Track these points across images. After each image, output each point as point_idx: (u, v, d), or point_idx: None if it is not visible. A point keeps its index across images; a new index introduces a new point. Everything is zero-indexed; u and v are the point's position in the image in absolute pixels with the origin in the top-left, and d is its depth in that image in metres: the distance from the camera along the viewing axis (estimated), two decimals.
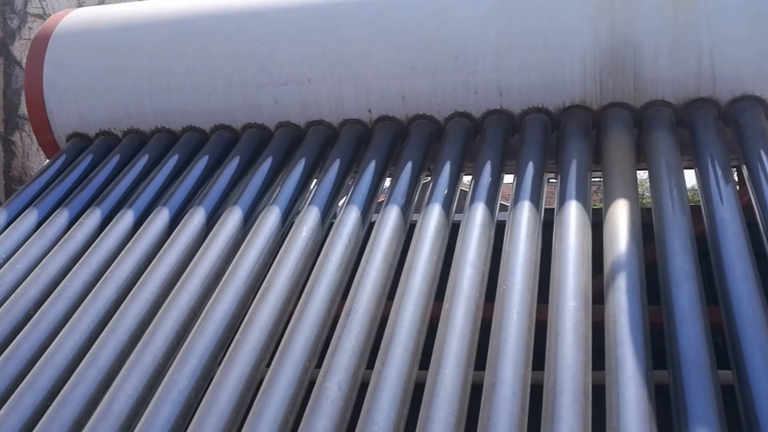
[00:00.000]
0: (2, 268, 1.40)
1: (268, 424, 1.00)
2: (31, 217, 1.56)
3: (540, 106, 1.58)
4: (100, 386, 1.12)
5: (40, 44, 1.80)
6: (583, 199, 1.33)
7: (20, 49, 2.13)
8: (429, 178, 1.53)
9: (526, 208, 1.31)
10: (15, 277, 1.39)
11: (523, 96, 1.57)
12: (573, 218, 1.27)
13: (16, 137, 2.12)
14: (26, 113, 2.16)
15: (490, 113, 1.59)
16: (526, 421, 0.97)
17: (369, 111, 1.63)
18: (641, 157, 1.55)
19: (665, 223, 1.24)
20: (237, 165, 1.60)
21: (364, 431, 0.97)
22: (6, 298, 1.34)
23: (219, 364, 1.13)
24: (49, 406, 1.10)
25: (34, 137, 2.18)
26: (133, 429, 1.04)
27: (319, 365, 1.11)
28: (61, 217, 1.53)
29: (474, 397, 1.02)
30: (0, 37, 2.11)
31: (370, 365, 1.10)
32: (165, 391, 1.07)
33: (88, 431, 1.03)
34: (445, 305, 1.14)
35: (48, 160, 1.94)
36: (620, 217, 1.26)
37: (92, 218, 1.50)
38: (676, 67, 1.52)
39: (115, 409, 1.06)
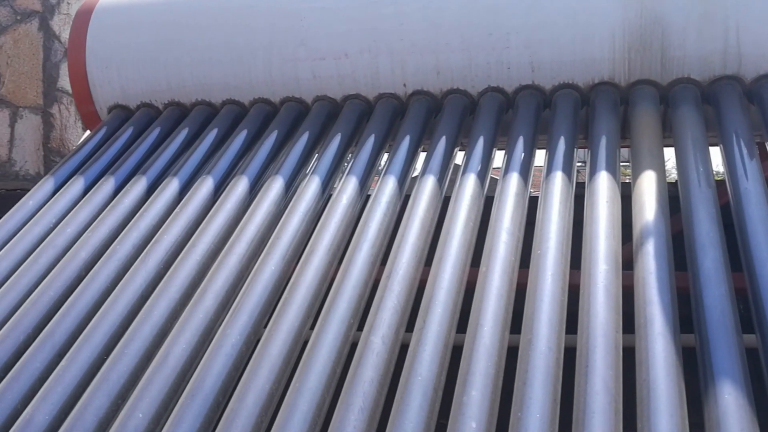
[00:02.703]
0: (53, 232, 1.47)
1: (317, 375, 1.07)
2: (77, 184, 1.63)
3: (570, 82, 1.63)
4: (155, 341, 1.19)
5: (84, 17, 1.86)
6: (612, 170, 1.38)
7: (59, 24, 2.20)
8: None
9: (558, 178, 1.36)
10: (66, 240, 1.46)
11: (554, 72, 1.62)
12: (603, 188, 1.32)
13: (54, 110, 2.19)
14: (64, 86, 2.23)
15: (523, 88, 1.64)
16: (561, 374, 1.03)
17: (404, 85, 1.68)
18: (667, 133, 1.60)
19: (691, 193, 1.29)
20: (276, 137, 1.66)
21: (408, 381, 1.03)
22: (58, 260, 1.41)
23: (267, 323, 1.20)
24: (105, 360, 1.17)
25: (72, 110, 2.25)
26: (188, 380, 1.11)
27: (360, 328, 1.17)
28: (107, 184, 1.60)
29: (510, 359, 1.08)
30: (40, 12, 2.17)
31: (410, 329, 1.16)
32: (218, 345, 1.14)
33: (146, 381, 1.10)
34: (482, 269, 1.20)
35: (89, 132, 2.01)
36: (648, 187, 1.32)
37: (138, 186, 1.57)
38: (703, 45, 1.56)
39: (171, 362, 1.13)
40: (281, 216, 1.43)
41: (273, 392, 1.07)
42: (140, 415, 1.04)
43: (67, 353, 1.17)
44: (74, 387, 1.12)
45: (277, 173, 1.53)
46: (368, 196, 1.48)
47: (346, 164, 1.61)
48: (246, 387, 1.06)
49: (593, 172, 1.38)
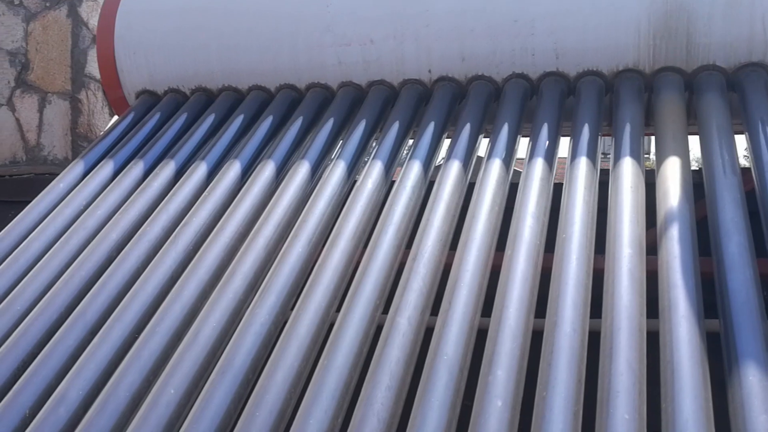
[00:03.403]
0: (84, 214, 1.50)
1: (345, 354, 1.09)
2: (106, 168, 1.66)
3: (594, 69, 1.63)
4: (185, 320, 1.22)
5: (112, 3, 1.89)
6: (636, 157, 1.39)
7: (87, 11, 2.23)
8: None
9: (583, 164, 1.37)
10: (96, 222, 1.49)
11: (578, 59, 1.62)
12: (628, 174, 1.33)
13: (82, 95, 2.22)
14: (92, 72, 2.26)
15: (547, 75, 1.65)
16: (585, 355, 1.05)
17: (429, 71, 1.69)
18: (691, 120, 1.60)
19: (716, 179, 1.29)
20: (302, 123, 1.68)
21: (434, 361, 1.05)
22: (89, 241, 1.44)
23: (294, 304, 1.22)
24: (137, 338, 1.20)
25: (99, 95, 2.28)
26: (218, 358, 1.14)
27: (385, 311, 1.19)
28: (136, 168, 1.62)
29: (534, 343, 1.10)
30: None
31: (434, 313, 1.17)
32: (247, 324, 1.16)
33: (177, 359, 1.13)
34: (507, 252, 1.22)
35: (117, 117, 2.04)
36: (672, 173, 1.32)
37: (166, 170, 1.60)
38: (729, 31, 1.56)
39: (201, 340, 1.16)
40: (307, 200, 1.45)
41: (301, 370, 1.10)
42: (172, 391, 1.07)
43: (99, 331, 1.20)
44: (107, 364, 1.15)
45: (302, 158, 1.55)
46: (393, 182, 1.49)
47: (371, 150, 1.62)
48: (275, 365, 1.09)
49: (617, 159, 1.39)
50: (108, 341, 1.18)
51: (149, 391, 1.09)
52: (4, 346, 1.20)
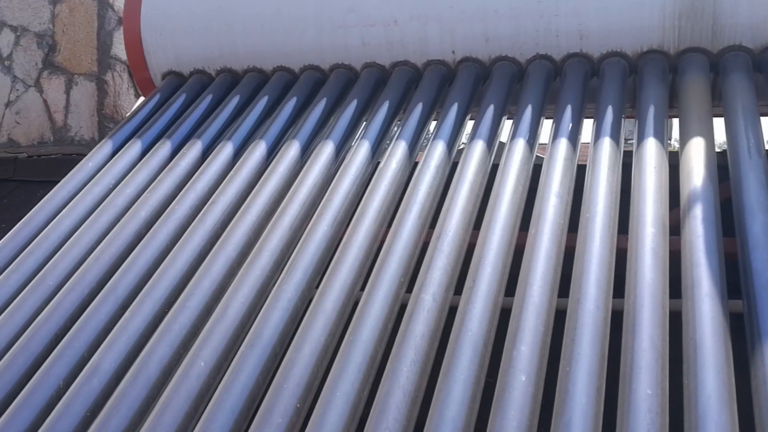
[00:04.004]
0: (113, 192, 1.53)
1: (370, 329, 1.11)
2: (134, 147, 1.68)
3: (618, 50, 1.63)
4: (214, 295, 1.24)
5: None
6: (660, 137, 1.39)
7: None
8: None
9: (606, 144, 1.38)
10: (125, 200, 1.51)
11: (602, 40, 1.62)
12: (651, 154, 1.33)
13: (108, 77, 2.25)
14: (118, 54, 2.28)
15: (571, 56, 1.65)
16: (608, 332, 1.06)
17: (453, 52, 1.70)
18: (716, 102, 1.59)
19: (740, 160, 1.29)
20: (326, 103, 1.70)
21: (459, 337, 1.07)
22: (119, 219, 1.47)
23: (320, 281, 1.24)
24: (167, 312, 1.22)
25: (125, 77, 2.31)
26: (246, 332, 1.16)
27: (409, 290, 1.21)
28: (164, 148, 1.65)
29: (557, 322, 1.11)
30: None
31: (458, 292, 1.19)
32: (275, 300, 1.19)
33: (206, 332, 1.15)
34: (531, 231, 1.23)
35: (143, 98, 2.07)
36: (696, 153, 1.32)
37: (193, 149, 1.62)
38: (756, 12, 1.55)
39: (230, 314, 1.18)
40: (332, 180, 1.47)
41: (328, 344, 1.12)
42: (202, 364, 1.10)
43: (130, 306, 1.23)
44: (138, 337, 1.18)
45: (327, 139, 1.57)
46: (416, 163, 1.50)
47: (394, 130, 1.64)
48: (302, 339, 1.11)
49: (641, 140, 1.39)
50: (139, 315, 1.21)
51: (180, 364, 1.11)
52: (37, 321, 1.23)
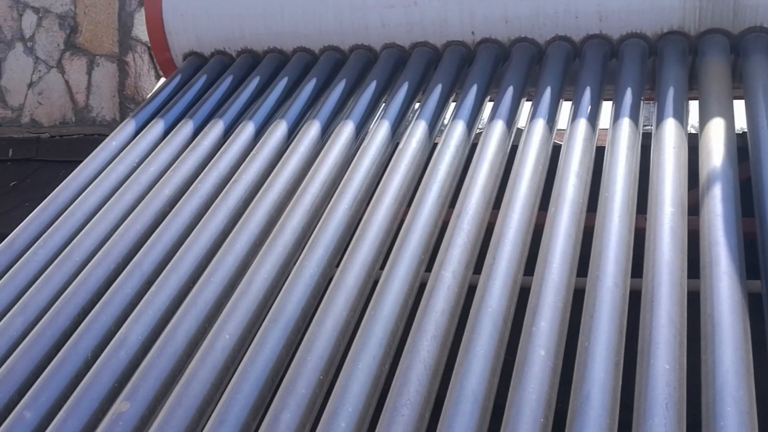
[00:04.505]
0: (137, 171, 1.55)
1: (391, 305, 1.13)
2: (157, 127, 1.70)
3: (638, 31, 1.63)
4: (237, 271, 1.27)
5: None
6: (679, 118, 1.40)
7: None
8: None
9: (625, 125, 1.38)
10: (149, 178, 1.54)
11: (622, 21, 1.62)
12: (671, 135, 1.34)
13: (129, 58, 2.27)
14: (138, 35, 2.30)
15: (590, 38, 1.65)
16: (626, 309, 1.07)
17: (472, 33, 1.71)
18: (736, 84, 1.59)
19: (761, 140, 1.30)
20: (345, 84, 1.71)
21: (479, 312, 1.09)
22: (143, 196, 1.49)
23: (341, 258, 1.26)
24: (192, 287, 1.25)
25: (145, 58, 2.33)
26: (269, 306, 1.19)
27: (428, 270, 1.22)
28: (186, 127, 1.67)
29: (575, 301, 1.12)
30: None
31: (477, 272, 1.20)
32: (297, 275, 1.21)
33: (231, 307, 1.18)
34: (551, 209, 1.24)
35: (164, 78, 2.09)
36: (716, 133, 1.33)
37: (215, 129, 1.64)
38: None
39: (254, 289, 1.20)
40: (352, 159, 1.48)
41: (349, 319, 1.14)
42: (227, 336, 1.12)
43: (156, 281, 1.26)
44: (164, 311, 1.20)
45: (347, 119, 1.58)
46: (435, 145, 1.52)
47: (413, 111, 1.65)
48: (324, 313, 1.13)
49: (660, 120, 1.40)
50: (165, 290, 1.23)
51: (205, 337, 1.14)
52: (64, 295, 1.26)
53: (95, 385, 1.08)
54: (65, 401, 1.07)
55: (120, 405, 1.04)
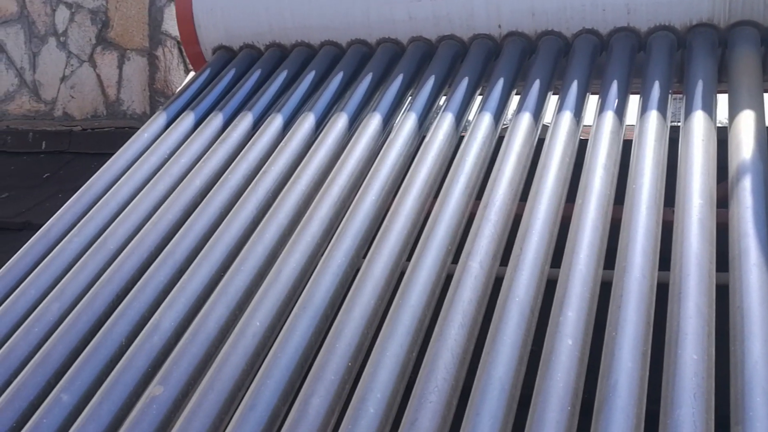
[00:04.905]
0: (168, 162, 1.58)
1: (419, 294, 1.15)
2: (188, 119, 1.73)
3: (667, 24, 1.62)
4: (267, 260, 1.29)
5: None
6: (709, 110, 1.39)
7: None
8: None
9: (653, 117, 1.38)
10: (180, 169, 1.56)
11: (650, 14, 1.62)
12: (699, 127, 1.33)
13: (159, 52, 2.31)
14: (168, 30, 2.34)
15: (617, 31, 1.65)
16: (654, 300, 1.08)
17: (499, 26, 1.71)
18: (766, 76, 1.58)
19: None
20: (372, 77, 1.73)
21: (506, 302, 1.10)
22: (174, 187, 1.52)
23: (368, 249, 1.28)
24: (223, 276, 1.27)
25: (175, 53, 2.37)
26: (298, 295, 1.21)
27: (455, 260, 1.23)
28: (216, 120, 1.70)
29: (602, 293, 1.12)
30: None
31: (504, 263, 1.21)
32: (325, 265, 1.23)
33: (261, 295, 1.20)
34: (578, 201, 1.25)
35: (193, 73, 2.12)
36: (745, 126, 1.32)
37: (244, 121, 1.67)
38: None
39: (283, 278, 1.23)
40: (379, 152, 1.50)
41: (377, 308, 1.16)
42: (257, 323, 1.14)
43: (188, 269, 1.28)
44: (196, 298, 1.23)
45: (374, 111, 1.60)
46: (461, 138, 1.53)
47: (440, 104, 1.66)
48: (352, 302, 1.15)
49: (688, 113, 1.39)
50: (196, 278, 1.26)
51: (236, 323, 1.16)
52: (99, 282, 1.29)
53: (129, 369, 1.11)
54: (100, 385, 1.10)
55: (153, 389, 1.06)
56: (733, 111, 1.38)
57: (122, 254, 1.34)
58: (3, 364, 1.16)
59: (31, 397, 1.11)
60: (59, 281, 1.32)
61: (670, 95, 1.49)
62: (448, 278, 1.19)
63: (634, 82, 1.60)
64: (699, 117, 1.36)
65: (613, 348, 1.00)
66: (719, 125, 1.44)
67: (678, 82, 1.64)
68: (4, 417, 1.08)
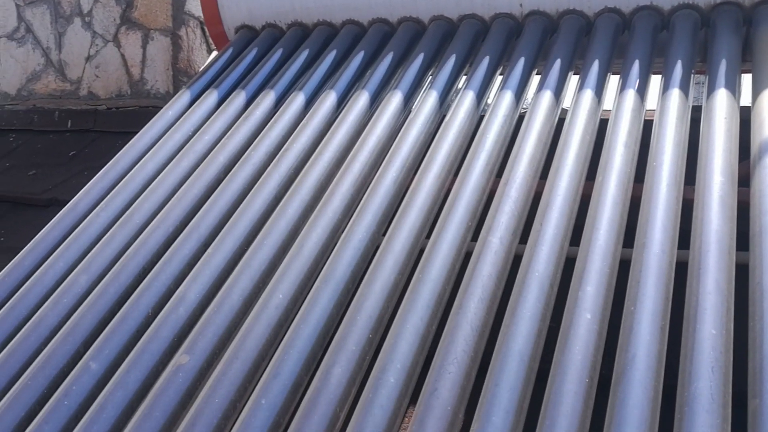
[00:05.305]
0: (192, 139, 1.60)
1: (439, 268, 1.16)
2: (211, 97, 1.75)
3: (690, 2, 1.61)
4: (289, 235, 1.31)
5: None
6: (732, 89, 1.39)
7: None
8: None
9: (675, 95, 1.38)
10: (204, 146, 1.59)
11: None
12: (722, 105, 1.33)
13: (182, 32, 2.32)
14: (191, 10, 2.35)
15: (640, 9, 1.64)
16: (672, 276, 1.08)
17: (520, 5, 1.71)
18: None
19: None
20: (393, 56, 1.73)
21: (526, 276, 1.11)
22: (198, 163, 1.54)
23: (389, 225, 1.29)
24: (246, 249, 1.29)
25: (197, 33, 2.38)
26: (320, 268, 1.23)
27: (474, 239, 1.24)
28: (239, 98, 1.71)
29: (621, 272, 1.13)
30: None
31: (523, 242, 1.22)
32: (347, 240, 1.25)
33: (284, 268, 1.22)
34: (598, 178, 1.25)
35: (215, 52, 2.13)
36: None
37: (267, 99, 1.68)
38: None
39: (305, 252, 1.24)
40: (400, 129, 1.51)
41: (397, 281, 1.17)
42: (280, 296, 1.17)
43: (212, 243, 1.31)
44: (220, 271, 1.25)
45: (395, 89, 1.61)
46: (482, 117, 1.53)
47: (461, 82, 1.66)
48: (373, 276, 1.16)
49: (711, 91, 1.39)
50: (221, 251, 1.28)
51: (259, 296, 1.19)
52: (126, 254, 1.32)
53: (156, 339, 1.14)
54: (128, 354, 1.13)
55: (180, 358, 1.09)
56: (757, 89, 1.38)
57: (148, 228, 1.36)
58: (34, 332, 1.19)
59: (61, 364, 1.14)
60: (87, 254, 1.34)
61: (692, 74, 1.49)
62: (467, 255, 1.20)
63: (657, 61, 1.60)
64: (722, 95, 1.35)
65: (631, 322, 1.01)
66: (743, 105, 1.43)
67: (701, 62, 1.63)
68: (35, 383, 1.11)
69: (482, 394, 0.97)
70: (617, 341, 1.01)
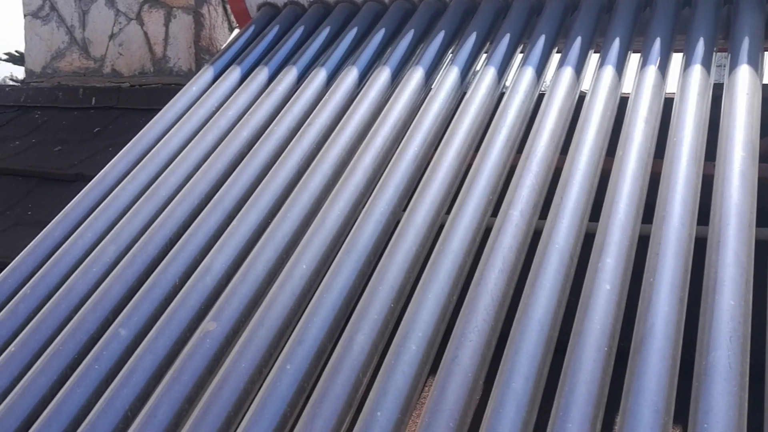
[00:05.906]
0: (216, 114, 1.63)
1: (460, 240, 1.18)
2: (234, 74, 1.77)
3: None
4: (312, 208, 1.33)
5: None
6: (754, 65, 1.38)
7: None
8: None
9: (696, 71, 1.38)
10: (228, 121, 1.61)
11: None
12: (744, 81, 1.33)
13: (204, 10, 2.34)
14: None
15: None
16: (692, 248, 1.09)
17: None
18: None
19: None
20: (414, 33, 1.74)
21: (546, 248, 1.12)
22: (222, 138, 1.56)
23: (410, 198, 1.31)
24: (270, 222, 1.32)
25: (219, 11, 2.40)
26: (342, 241, 1.25)
27: (494, 213, 1.26)
28: (261, 74, 1.73)
29: (640, 247, 1.14)
30: None
31: (543, 217, 1.23)
32: (368, 213, 1.27)
33: (307, 240, 1.24)
34: (618, 153, 1.26)
35: (237, 30, 2.15)
36: None
37: (289, 75, 1.70)
38: None
39: (327, 225, 1.27)
40: (421, 104, 1.52)
41: (419, 253, 1.19)
42: (304, 266, 1.19)
43: (237, 215, 1.33)
44: (245, 243, 1.28)
45: (416, 65, 1.62)
46: (502, 94, 1.54)
47: (482, 59, 1.67)
48: (395, 247, 1.18)
49: (733, 67, 1.39)
50: (245, 224, 1.31)
51: (283, 267, 1.21)
52: (152, 227, 1.35)
53: (183, 307, 1.16)
54: (156, 321, 1.16)
55: (207, 324, 1.12)
56: None
57: (174, 201, 1.39)
58: (65, 299, 1.23)
59: (91, 331, 1.17)
60: (114, 225, 1.38)
61: (714, 51, 1.49)
62: (488, 230, 1.22)
63: (679, 38, 1.60)
64: (744, 71, 1.36)
65: (650, 293, 1.02)
66: (765, 83, 1.43)
67: (723, 39, 1.62)
68: (67, 348, 1.14)
69: (502, 362, 0.99)
70: (635, 315, 1.02)
